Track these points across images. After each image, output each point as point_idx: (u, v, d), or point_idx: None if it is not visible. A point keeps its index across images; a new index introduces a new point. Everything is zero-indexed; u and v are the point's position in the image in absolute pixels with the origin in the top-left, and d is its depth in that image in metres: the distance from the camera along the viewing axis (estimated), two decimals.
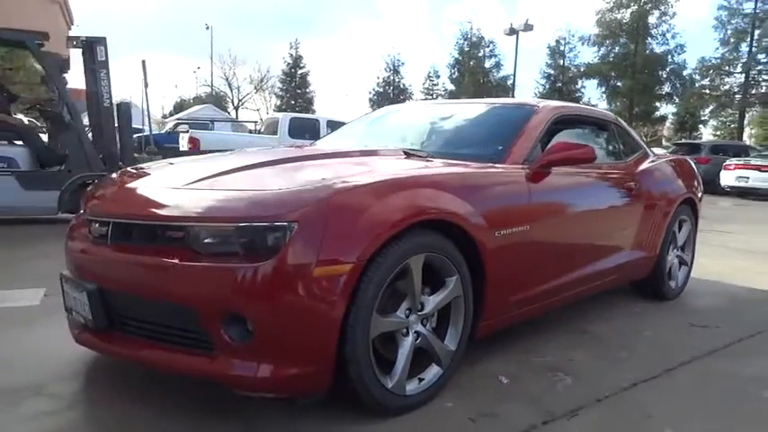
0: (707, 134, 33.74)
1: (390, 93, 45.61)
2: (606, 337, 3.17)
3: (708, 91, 26.53)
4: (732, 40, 25.73)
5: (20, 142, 6.49)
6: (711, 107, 27.59)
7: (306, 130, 13.49)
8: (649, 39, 26.50)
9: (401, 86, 45.89)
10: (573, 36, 35.15)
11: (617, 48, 26.15)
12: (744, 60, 25.71)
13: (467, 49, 41.54)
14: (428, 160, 2.61)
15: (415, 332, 2.14)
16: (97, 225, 2.10)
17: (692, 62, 26.28)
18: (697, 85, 26.49)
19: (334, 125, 14.15)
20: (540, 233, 2.61)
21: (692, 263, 4.35)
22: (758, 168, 15.63)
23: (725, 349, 3.06)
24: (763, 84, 25.47)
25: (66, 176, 6.29)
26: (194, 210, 1.91)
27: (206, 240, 1.85)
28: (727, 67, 26.44)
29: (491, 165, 2.59)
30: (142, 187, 2.23)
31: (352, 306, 1.85)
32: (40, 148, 6.54)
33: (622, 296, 4.00)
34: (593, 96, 34.93)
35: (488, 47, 38.23)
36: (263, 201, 1.87)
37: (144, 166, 2.87)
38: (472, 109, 3.38)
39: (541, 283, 2.75)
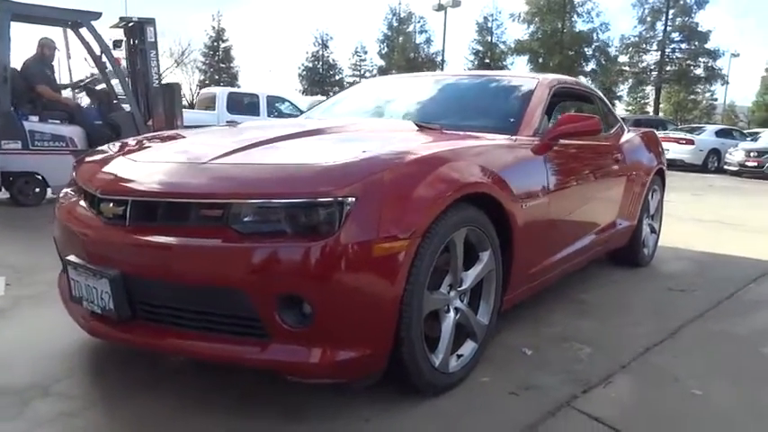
0: (620, 109, 35.54)
1: (320, 68, 44.81)
2: (600, 305, 3.26)
3: (627, 68, 27.96)
4: (649, 18, 27.14)
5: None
6: (630, 83, 29.19)
7: (245, 105, 13.00)
8: (575, 17, 27.51)
9: (330, 62, 45.16)
10: (500, 13, 35.84)
11: (546, 25, 26.90)
12: (659, 39, 27.22)
13: (396, 24, 41.35)
14: (443, 132, 2.54)
15: (455, 308, 2.09)
16: (111, 204, 1.88)
17: (617, 40, 27.70)
18: (620, 61, 27.82)
19: (273, 100, 13.73)
20: (554, 205, 2.62)
21: (659, 231, 4.56)
22: (677, 141, 16.65)
23: (710, 311, 3.21)
24: (677, 61, 27.18)
25: None
26: (236, 186, 1.75)
27: (250, 218, 1.70)
28: (644, 45, 27.93)
29: (508, 137, 2.56)
30: (161, 162, 2.02)
31: (407, 284, 1.77)
32: (90, 127, 6.42)
33: (599, 265, 4.12)
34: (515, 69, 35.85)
35: (419, 22, 38.23)
36: (317, 175, 1.74)
37: (140, 139, 2.62)
38: (472, 81, 3.34)
39: (552, 255, 2.77)
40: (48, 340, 2.45)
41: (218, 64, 47.22)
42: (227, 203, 1.71)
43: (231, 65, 47.97)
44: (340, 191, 1.66)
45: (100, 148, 2.53)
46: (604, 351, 2.54)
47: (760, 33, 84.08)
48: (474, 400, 2.04)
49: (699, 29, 26.44)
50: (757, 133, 18.42)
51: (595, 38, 27.47)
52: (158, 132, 2.97)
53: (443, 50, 34.36)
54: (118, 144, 2.53)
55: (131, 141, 2.57)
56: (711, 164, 16.87)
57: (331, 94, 42.66)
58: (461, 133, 2.51)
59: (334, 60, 45.78)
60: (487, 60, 36.06)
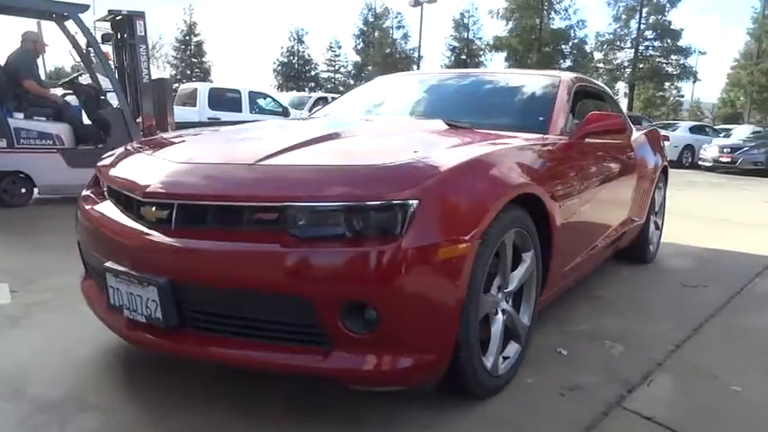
0: None
1: (295, 63, 44.45)
2: (617, 302, 3.29)
3: (602, 64, 28.41)
4: (623, 16, 27.61)
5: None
6: (604, 80, 29.61)
7: (227, 101, 12.78)
8: (553, 14, 27.80)
9: (306, 57, 44.82)
10: (476, 10, 36.03)
11: (524, 21, 27.10)
12: (633, 36, 27.70)
13: (371, 19, 41.23)
14: (474, 131, 2.52)
15: (502, 310, 2.08)
16: (154, 208, 1.80)
17: (593, 37, 28.10)
18: (596, 58, 28.28)
19: (256, 96, 13.53)
20: (583, 203, 2.62)
21: (662, 227, 4.62)
22: None
23: (726, 307, 3.26)
24: (650, 59, 27.71)
25: None
26: (295, 188, 1.69)
27: (308, 222, 1.65)
28: (618, 43, 28.41)
29: (541, 136, 2.55)
30: (205, 163, 1.95)
31: (468, 287, 1.74)
32: (77, 125, 6.23)
33: (606, 262, 4.16)
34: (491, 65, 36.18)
35: (396, 18, 38.17)
36: (378, 176, 1.70)
37: (167, 138, 2.53)
38: (492, 79, 3.31)
39: (581, 253, 2.78)
40: (70, 348, 2.35)
41: (190, 59, 46.47)
42: (285, 206, 1.66)
43: (203, 59, 47.27)
44: (404, 193, 1.62)
45: (124, 147, 2.43)
46: (635, 348, 2.56)
47: (724, 31, 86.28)
48: (525, 403, 2.03)
49: (671, 27, 27.07)
50: (729, 129, 18.89)
51: (573, 35, 27.88)
52: (181, 131, 2.86)
53: (419, 46, 34.46)
54: (143, 143, 2.44)
55: (158, 140, 2.49)
56: (686, 159, 17.25)
57: (307, 89, 42.40)
58: (494, 132, 2.49)
59: (309, 56, 45.47)
60: (464, 57, 36.24)
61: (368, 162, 1.79)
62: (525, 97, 3.00)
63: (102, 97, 6.56)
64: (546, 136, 2.58)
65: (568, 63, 27.47)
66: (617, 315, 3.04)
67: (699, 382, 2.25)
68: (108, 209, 2.07)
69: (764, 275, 4.03)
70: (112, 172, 2.13)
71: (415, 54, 35.78)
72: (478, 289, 1.81)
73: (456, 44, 36.49)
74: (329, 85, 42.85)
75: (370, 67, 40.31)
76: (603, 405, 2.02)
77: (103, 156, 2.46)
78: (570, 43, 27.95)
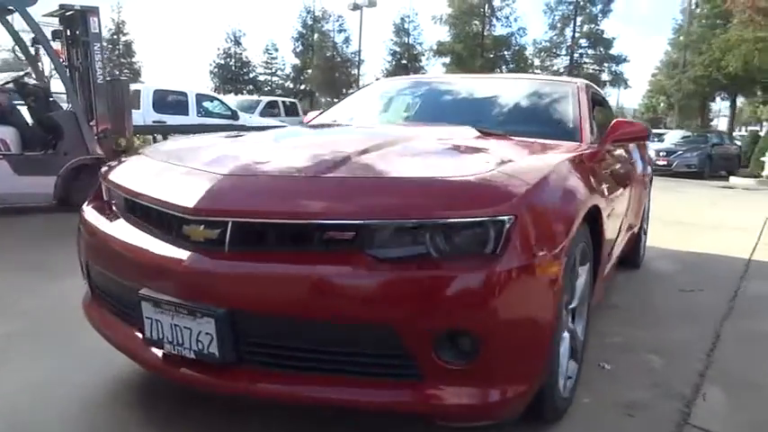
0: None
1: (233, 65, 43.29)
2: (632, 310, 3.27)
3: (539, 71, 29.23)
4: (559, 24, 28.56)
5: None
6: None
7: (172, 104, 12.21)
8: (495, 21, 28.40)
9: (244, 59, 43.74)
10: (417, 15, 36.26)
11: (468, 28, 27.50)
12: (568, 44, 28.71)
13: (310, 22, 40.78)
14: (508, 138, 2.42)
15: (567, 328, 1.97)
16: (202, 227, 1.57)
17: (531, 45, 28.86)
18: (535, 65, 29.07)
19: (203, 99, 13.00)
20: (611, 211, 2.57)
21: (647, 232, 4.70)
22: None
23: (731, 313, 3.30)
24: (584, 66, 28.81)
25: (62, 160, 5.60)
26: (374, 203, 1.52)
27: (389, 241, 1.48)
28: (555, 50, 29.36)
29: (577, 144, 2.48)
30: (258, 175, 1.74)
31: (556, 308, 1.63)
32: (24, 128, 5.73)
33: None
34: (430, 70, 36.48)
35: (338, 21, 37.83)
36: (469, 190, 1.55)
37: (195, 144, 2.26)
38: (512, 85, 3.23)
39: (609, 262, 2.73)
40: (82, 384, 2.07)
41: (119, 59, 44.43)
42: (364, 224, 1.48)
43: (133, 60, 45.31)
44: (499, 208, 1.48)
45: (138, 155, 2.17)
46: (671, 359, 2.52)
47: (643, 40, 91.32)
48: (595, 425, 1.93)
49: (604, 36, 28.25)
50: (662, 134, 19.82)
51: (514, 42, 28.57)
52: (204, 136, 2.58)
53: (360, 51, 34.28)
54: (159, 151, 2.17)
55: (177, 148, 2.23)
56: None
57: (245, 92, 41.37)
58: (532, 140, 2.40)
59: (247, 58, 44.42)
60: (405, 61, 36.41)
61: (450, 175, 1.64)
62: (549, 104, 2.92)
63: (51, 98, 6.05)
64: (580, 144, 2.51)
65: (511, 69, 28.19)
66: (638, 324, 3.01)
67: (748, 394, 2.24)
68: (131, 227, 1.81)
69: (748, 278, 4.14)
70: (134, 184, 1.87)
71: (357, 58, 35.68)
72: (563, 309, 1.70)
73: (397, 48, 36.60)
74: (266, 88, 42.00)
75: (309, 71, 39.83)
76: (672, 424, 1.96)
77: (109, 165, 2.19)
78: (512, 50, 28.65)
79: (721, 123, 41.29)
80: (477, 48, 27.68)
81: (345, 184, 1.62)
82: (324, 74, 35.21)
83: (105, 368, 2.14)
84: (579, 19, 28.46)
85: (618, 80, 29.15)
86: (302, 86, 41.09)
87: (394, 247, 1.49)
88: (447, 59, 29.40)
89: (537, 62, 29.47)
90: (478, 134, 2.41)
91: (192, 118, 12.15)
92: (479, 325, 1.45)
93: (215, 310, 1.51)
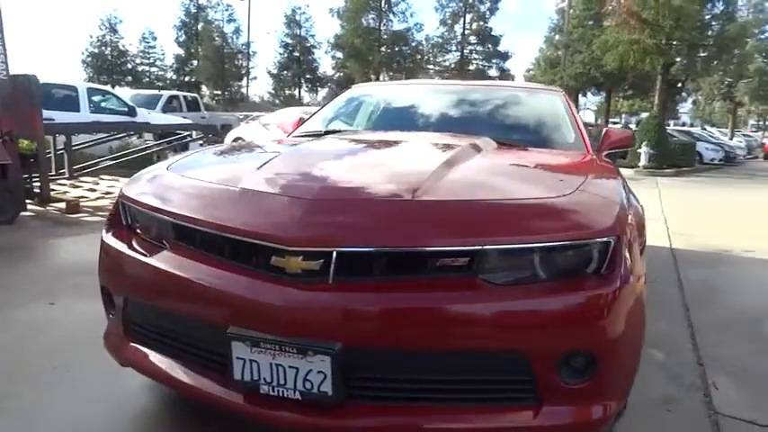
0: None
1: (108, 55, 40.24)
2: None
3: (431, 66, 30.18)
4: (449, 21, 29.62)
5: None
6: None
7: (60, 100, 11.08)
8: (392, 15, 28.80)
9: (121, 48, 40.79)
10: (308, 6, 35.90)
11: (366, 22, 27.69)
12: (459, 40, 29.88)
13: (194, 10, 38.92)
14: (525, 149, 2.48)
15: None
16: (300, 258, 1.46)
17: (425, 40, 29.69)
18: (430, 60, 29.94)
19: (95, 93, 11.96)
20: None
21: None
22: None
23: (688, 300, 3.63)
24: (473, 61, 30.15)
25: None
26: (490, 227, 1.49)
27: (505, 265, 1.48)
28: (446, 46, 30.42)
29: (584, 153, 2.59)
30: (354, 198, 1.64)
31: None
32: None
33: None
34: (327, 68, 36.26)
35: (227, 10, 36.39)
36: (575, 211, 1.58)
37: (232, 159, 2.05)
38: (506, 94, 3.24)
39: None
40: None
41: None
42: (480, 250, 1.46)
43: None
44: (605, 230, 1.52)
45: (168, 171, 1.96)
46: (670, 351, 2.73)
47: (517, 38, 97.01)
48: (648, 424, 2.05)
49: (492, 33, 29.71)
50: None
51: (411, 37, 29.23)
52: (225, 150, 2.34)
53: (248, 42, 33.31)
54: (200, 167, 1.98)
55: (217, 162, 2.05)
56: None
57: (123, 83, 38.61)
58: (554, 151, 2.47)
59: (124, 46, 41.48)
60: (297, 54, 35.91)
61: (546, 195, 1.65)
62: (548, 113, 2.97)
63: None
64: (587, 153, 2.62)
65: (408, 64, 28.80)
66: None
67: (750, 378, 2.47)
68: (190, 258, 1.64)
69: (682, 267, 4.55)
70: (188, 210, 1.68)
71: (250, 50, 34.62)
72: None
73: (289, 41, 36.02)
74: (145, 80, 39.52)
75: (195, 62, 38.06)
76: (706, 416, 2.12)
77: (131, 184, 1.96)
78: (409, 45, 29.28)
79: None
80: (374, 42, 27.95)
81: (458, 209, 1.58)
82: (213, 65, 33.82)
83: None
84: (469, 16, 29.68)
85: (505, 76, 30.79)
86: (186, 78, 39.16)
87: (505, 271, 1.48)
88: (342, 54, 29.34)
89: (430, 57, 30.34)
90: (495, 144, 2.43)
91: (85, 115, 11.13)
92: (598, 344, 1.48)
93: (331, 348, 1.42)
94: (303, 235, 1.47)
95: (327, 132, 2.83)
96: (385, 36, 28.28)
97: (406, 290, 1.47)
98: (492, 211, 1.58)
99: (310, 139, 2.66)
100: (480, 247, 1.45)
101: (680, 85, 24.56)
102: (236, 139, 11.27)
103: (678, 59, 19.10)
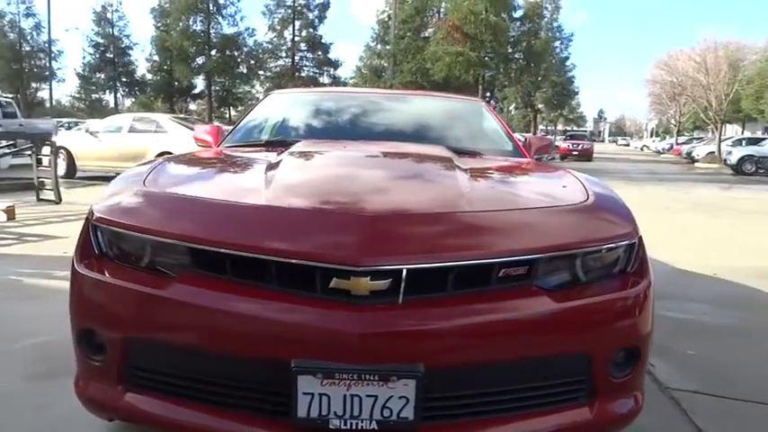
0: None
1: None
2: None
3: (262, 72, 29.55)
4: (278, 27, 29.26)
5: None
6: (267, 86, 30.90)
7: None
8: (221, 19, 27.49)
9: None
10: (121, 4, 33.04)
11: (191, 24, 26.05)
12: (289, 47, 29.68)
13: None
14: (482, 157, 2.55)
15: None
16: (367, 278, 1.35)
17: (255, 45, 28.80)
18: (262, 65, 29.21)
19: None
20: None
21: None
22: None
23: None
24: (305, 68, 30.17)
25: None
26: (539, 236, 1.52)
27: (554, 271, 1.52)
28: (276, 52, 30.02)
29: (530, 159, 2.74)
30: (411, 214, 1.54)
31: None
32: None
33: None
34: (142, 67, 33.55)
35: (24, 3, 31.86)
36: (604, 217, 1.65)
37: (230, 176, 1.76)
38: (442, 103, 3.25)
39: None
40: None
41: None
42: (535, 259, 1.49)
43: None
44: (631, 232, 1.63)
45: (155, 189, 1.67)
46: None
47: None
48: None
49: (322, 41, 30.02)
50: None
51: (243, 42, 28.25)
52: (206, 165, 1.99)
53: (50, 40, 29.58)
54: (197, 183, 1.71)
55: (215, 177, 1.77)
56: None
57: None
58: (503, 158, 2.58)
59: None
60: (111, 55, 32.85)
61: (571, 201, 1.71)
62: (483, 121, 3.05)
63: None
64: (530, 159, 2.78)
65: (241, 70, 27.80)
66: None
67: (678, 358, 2.71)
68: (223, 286, 1.43)
69: None
70: (214, 233, 1.45)
71: (54, 47, 30.79)
72: None
73: (100, 40, 32.78)
74: None
75: None
76: (657, 390, 2.32)
77: (117, 206, 1.63)
78: (241, 50, 28.29)
79: None
80: (203, 45, 26.61)
81: (514, 218, 1.58)
82: (8, 64, 29.46)
83: None
84: (298, 23, 29.73)
85: (337, 83, 31.41)
86: None
87: (553, 276, 1.53)
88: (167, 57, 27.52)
89: (262, 63, 29.82)
90: (450, 153, 2.45)
91: None
92: (640, 338, 1.59)
93: (417, 370, 1.33)
94: (372, 253, 1.36)
95: (275, 142, 2.64)
96: (215, 40, 27.08)
97: (475, 302, 1.43)
98: (544, 220, 1.61)
99: (264, 149, 2.48)
100: (540, 255, 1.48)
101: (488, 94, 27.20)
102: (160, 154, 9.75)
103: (496, 71, 21.16)
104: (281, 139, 2.68)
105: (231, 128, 3.04)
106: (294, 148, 2.20)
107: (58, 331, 2.66)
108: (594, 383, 1.53)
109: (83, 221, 1.70)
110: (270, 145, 2.58)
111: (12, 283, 3.51)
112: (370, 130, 2.89)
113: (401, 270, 1.36)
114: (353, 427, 1.35)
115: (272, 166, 1.87)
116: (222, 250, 1.42)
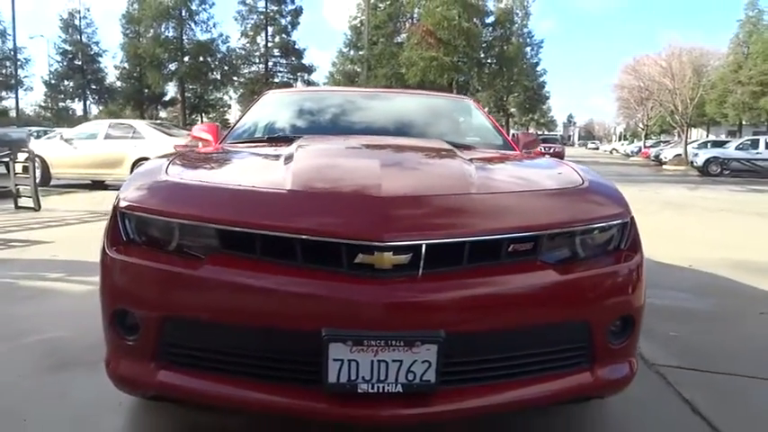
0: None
1: None
2: None
3: (236, 78, 29.40)
4: (251, 33, 29.20)
5: None
6: (241, 92, 30.76)
7: None
8: (194, 25, 27.29)
9: None
10: (89, 11, 32.58)
11: (165, 31, 25.81)
12: (262, 52, 29.63)
13: None
14: (478, 149, 2.68)
15: None
16: (390, 253, 1.46)
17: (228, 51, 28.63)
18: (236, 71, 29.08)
19: None
20: None
21: None
22: None
23: None
24: (279, 74, 30.16)
25: None
26: (542, 215, 1.64)
27: (555, 247, 1.65)
28: (250, 57, 29.92)
29: (520, 152, 2.88)
30: (428, 196, 1.67)
31: None
32: None
33: None
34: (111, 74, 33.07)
35: None
36: (601, 197, 1.79)
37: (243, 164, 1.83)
38: (434, 101, 3.38)
39: None
40: None
41: None
42: (540, 235, 1.62)
43: None
44: (625, 211, 1.78)
45: (179, 179, 1.75)
46: None
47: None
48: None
49: (296, 47, 30.03)
50: None
51: (217, 48, 28.07)
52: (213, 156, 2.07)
53: (16, 47, 28.95)
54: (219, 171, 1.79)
55: (236, 166, 1.85)
56: None
57: None
58: (496, 151, 2.71)
59: None
60: (79, 62, 32.33)
61: (575, 183, 1.85)
62: (474, 117, 3.21)
63: None
64: (520, 152, 2.92)
65: (217, 75, 27.61)
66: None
67: (659, 340, 2.91)
68: (246, 267, 1.53)
69: None
70: (245, 215, 1.55)
71: (20, 55, 30.16)
72: None
73: (68, 47, 32.24)
74: None
75: None
76: (645, 367, 2.49)
77: (149, 193, 1.71)
78: (216, 56, 28.10)
79: None
80: (176, 51, 26.38)
81: (520, 198, 1.71)
82: None
83: None
84: (271, 29, 29.68)
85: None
86: None
87: (553, 252, 1.66)
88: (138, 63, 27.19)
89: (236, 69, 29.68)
90: (448, 146, 2.59)
91: None
92: (635, 307, 1.73)
93: (439, 336, 1.45)
94: (395, 230, 1.48)
95: (278, 138, 2.73)
96: (189, 46, 26.87)
97: (486, 275, 1.55)
98: (550, 200, 1.74)
99: (268, 145, 2.58)
100: (544, 232, 1.61)
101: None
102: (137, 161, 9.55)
103: (470, 75, 21.50)
104: (283, 136, 2.77)
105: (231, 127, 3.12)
106: (302, 141, 2.29)
107: (63, 328, 2.74)
108: (594, 350, 1.66)
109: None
110: (273, 141, 2.67)
111: (6, 285, 3.51)
112: (368, 126, 2.99)
113: (421, 245, 1.48)
114: (380, 390, 1.46)
115: (288, 156, 1.97)
116: (255, 231, 1.52)
